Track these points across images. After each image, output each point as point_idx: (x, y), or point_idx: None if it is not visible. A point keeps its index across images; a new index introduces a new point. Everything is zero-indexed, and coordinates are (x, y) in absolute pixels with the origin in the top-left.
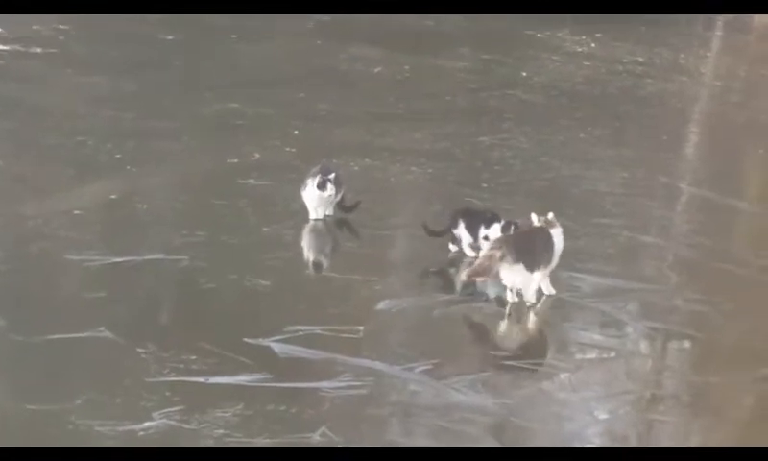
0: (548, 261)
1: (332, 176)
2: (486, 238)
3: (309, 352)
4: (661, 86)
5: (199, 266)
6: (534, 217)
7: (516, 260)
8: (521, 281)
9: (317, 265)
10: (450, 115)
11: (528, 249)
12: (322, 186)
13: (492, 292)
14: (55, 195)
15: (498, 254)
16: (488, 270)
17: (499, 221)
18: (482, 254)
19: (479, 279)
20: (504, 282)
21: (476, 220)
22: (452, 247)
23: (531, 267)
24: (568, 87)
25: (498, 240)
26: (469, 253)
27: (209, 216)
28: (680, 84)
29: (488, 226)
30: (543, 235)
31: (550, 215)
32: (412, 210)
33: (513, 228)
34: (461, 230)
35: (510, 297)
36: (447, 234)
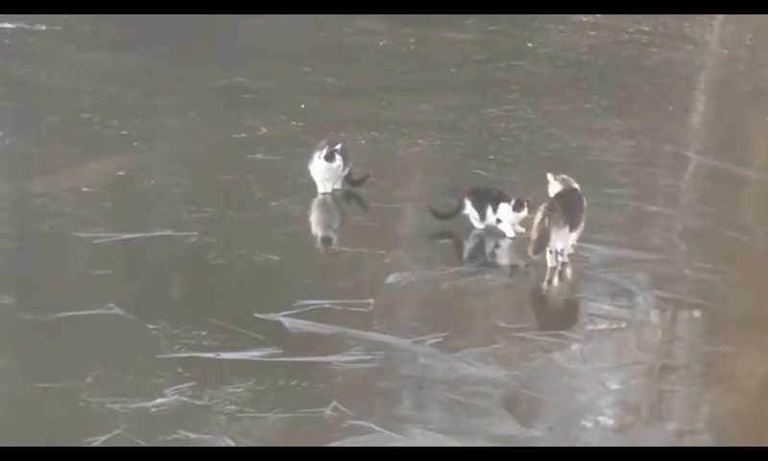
0: (582, 221)
1: (339, 147)
2: (498, 221)
3: (320, 327)
4: (667, 55)
5: (207, 242)
6: (550, 176)
7: (565, 223)
8: (562, 244)
9: (326, 239)
10: (456, 87)
11: (570, 210)
12: (329, 158)
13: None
14: (62, 173)
15: (548, 219)
16: (547, 239)
17: (506, 200)
18: (535, 223)
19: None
20: (551, 246)
21: (483, 198)
22: (478, 225)
23: (573, 228)
24: (574, 58)
25: (547, 206)
26: (479, 225)
27: (217, 191)
28: (685, 52)
29: (495, 205)
30: (578, 196)
31: (564, 176)
32: (419, 183)
33: (526, 205)
34: (469, 210)
35: (551, 261)
36: (455, 216)
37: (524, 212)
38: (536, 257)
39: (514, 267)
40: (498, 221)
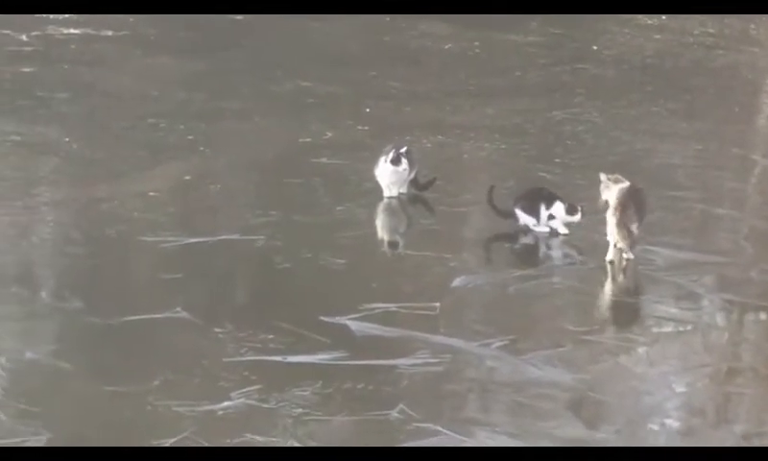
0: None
1: (405, 150)
2: (551, 217)
3: (386, 330)
4: (733, 58)
5: (274, 245)
6: (603, 176)
7: (638, 220)
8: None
9: (392, 243)
10: (521, 91)
11: (639, 207)
12: (396, 161)
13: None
14: (129, 177)
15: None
16: (632, 233)
17: (559, 198)
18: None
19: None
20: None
21: (533, 201)
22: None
23: (640, 224)
24: (639, 61)
25: (621, 203)
26: (538, 229)
27: (283, 196)
28: (751, 55)
29: (548, 203)
30: (643, 194)
31: (618, 176)
32: (485, 187)
33: (579, 209)
34: (523, 218)
35: (611, 255)
36: (510, 220)
37: (577, 217)
38: (630, 256)
39: (580, 270)
40: (551, 217)
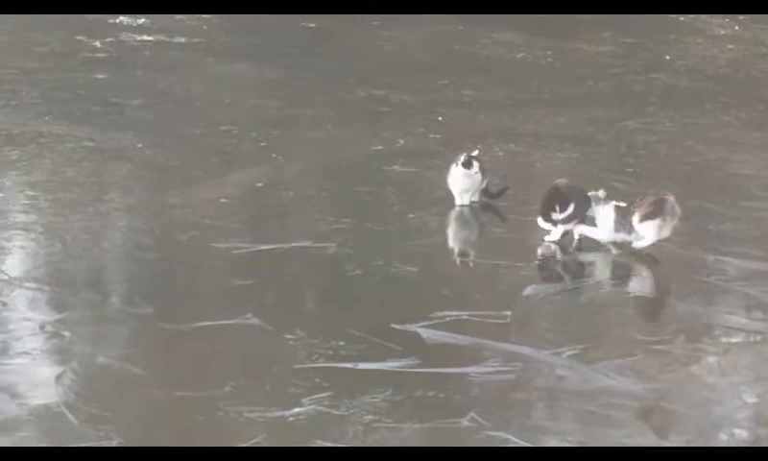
0: None
1: (476, 153)
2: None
3: (457, 338)
4: None
5: (345, 253)
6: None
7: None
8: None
9: (463, 251)
10: (594, 100)
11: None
12: (467, 164)
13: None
14: (201, 184)
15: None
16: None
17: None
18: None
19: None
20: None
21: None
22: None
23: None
24: (713, 71)
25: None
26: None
27: (355, 203)
28: None
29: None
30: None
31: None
32: None
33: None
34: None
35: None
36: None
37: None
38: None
39: (651, 280)
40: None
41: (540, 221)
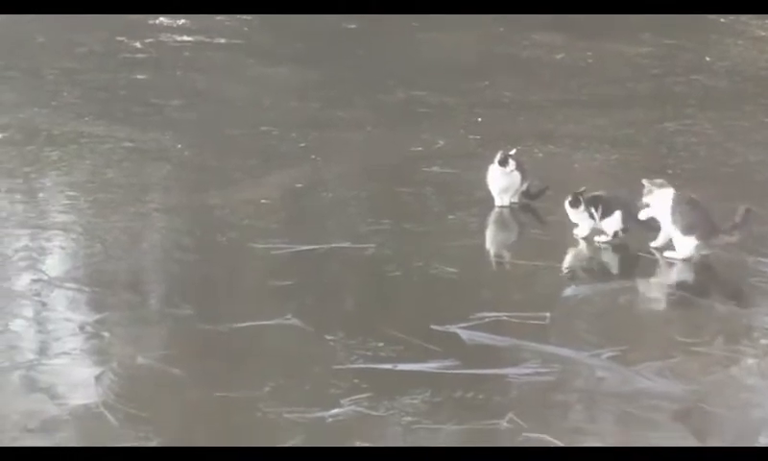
0: None
1: (513, 152)
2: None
3: (496, 339)
4: None
5: (385, 254)
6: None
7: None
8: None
9: (502, 252)
10: (633, 101)
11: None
12: (503, 162)
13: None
14: (241, 184)
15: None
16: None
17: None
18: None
19: None
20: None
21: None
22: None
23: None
24: (753, 72)
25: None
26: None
27: (394, 204)
28: None
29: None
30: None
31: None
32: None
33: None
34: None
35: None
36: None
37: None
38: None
39: (690, 281)
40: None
41: (570, 210)
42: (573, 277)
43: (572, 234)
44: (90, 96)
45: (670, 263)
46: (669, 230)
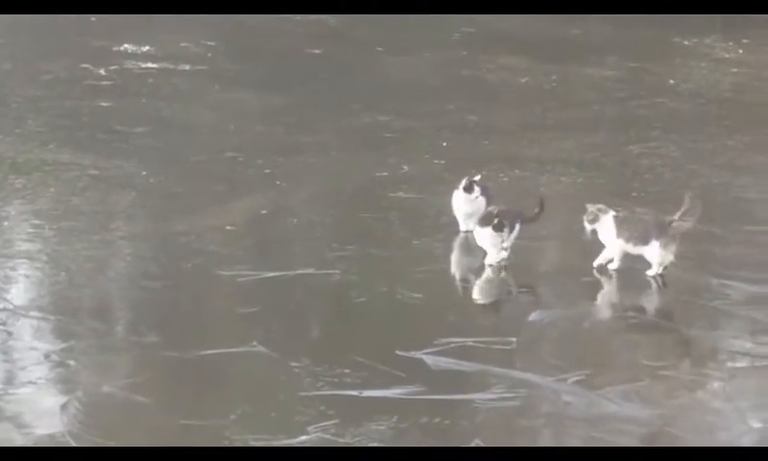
0: None
1: (478, 178)
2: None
3: (462, 364)
4: None
5: (350, 280)
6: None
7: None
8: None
9: (467, 277)
10: (598, 124)
11: None
12: (468, 188)
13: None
14: (206, 211)
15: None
16: None
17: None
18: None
19: None
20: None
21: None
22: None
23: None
24: (716, 94)
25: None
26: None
27: (359, 230)
28: None
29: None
30: None
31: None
32: (562, 220)
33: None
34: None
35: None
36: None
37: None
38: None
39: (655, 304)
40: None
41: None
42: (538, 301)
43: (540, 259)
44: (55, 123)
45: (635, 286)
46: (624, 249)
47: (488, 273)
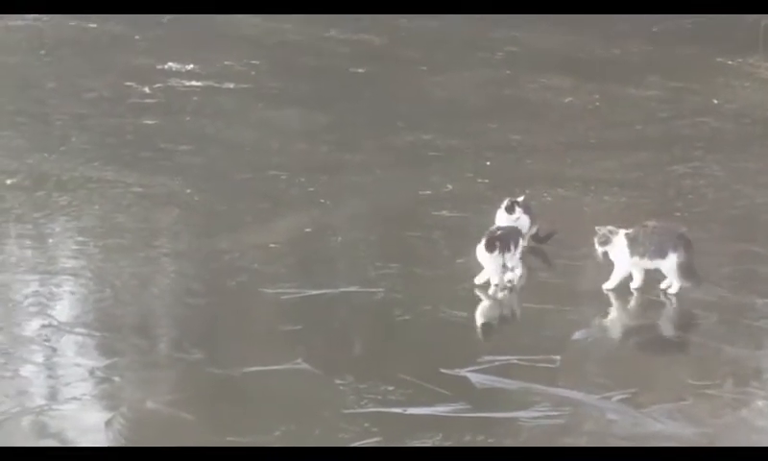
0: None
1: (520, 199)
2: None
3: (506, 382)
4: None
5: (394, 298)
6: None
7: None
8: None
9: (511, 296)
10: (641, 144)
11: None
12: (510, 209)
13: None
14: (249, 228)
15: None
16: None
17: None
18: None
19: None
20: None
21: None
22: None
23: None
24: (760, 114)
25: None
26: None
27: (403, 248)
28: None
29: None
30: None
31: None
32: None
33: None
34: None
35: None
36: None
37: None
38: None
39: (700, 324)
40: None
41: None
42: (581, 320)
43: (583, 277)
44: (99, 141)
45: (679, 306)
46: (639, 265)
47: (493, 291)
